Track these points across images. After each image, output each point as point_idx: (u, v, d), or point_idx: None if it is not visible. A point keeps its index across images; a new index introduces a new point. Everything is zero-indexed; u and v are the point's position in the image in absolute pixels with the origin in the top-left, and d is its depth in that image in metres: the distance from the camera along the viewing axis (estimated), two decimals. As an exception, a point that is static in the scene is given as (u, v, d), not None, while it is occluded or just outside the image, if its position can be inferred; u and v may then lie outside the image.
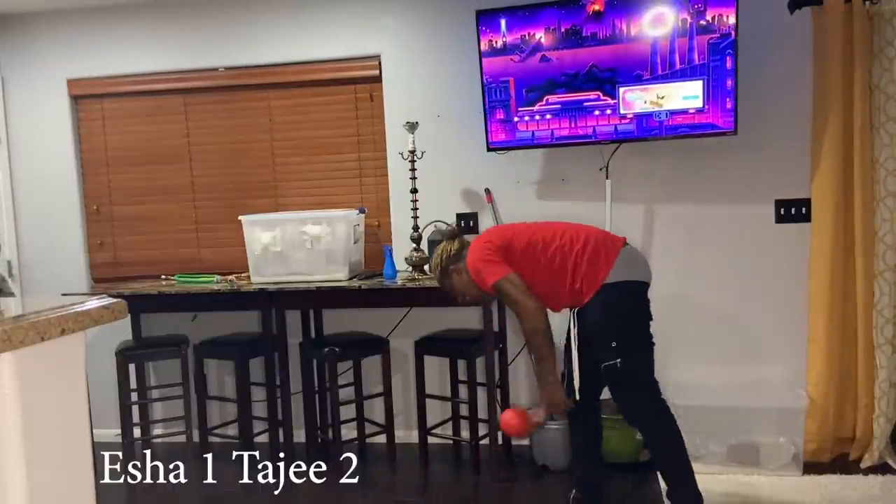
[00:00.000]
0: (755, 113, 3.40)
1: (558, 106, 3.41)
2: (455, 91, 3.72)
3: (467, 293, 2.87)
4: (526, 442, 3.66)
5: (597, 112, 3.37)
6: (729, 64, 3.19)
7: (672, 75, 3.25)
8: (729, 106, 3.22)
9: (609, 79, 3.32)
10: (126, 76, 4.00)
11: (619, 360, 2.60)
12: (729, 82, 3.20)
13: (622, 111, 3.34)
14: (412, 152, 3.56)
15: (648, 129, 3.33)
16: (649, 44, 3.26)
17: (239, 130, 3.98)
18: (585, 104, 3.38)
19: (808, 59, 3.35)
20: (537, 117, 3.44)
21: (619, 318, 2.66)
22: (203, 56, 3.93)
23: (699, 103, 3.25)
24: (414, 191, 3.59)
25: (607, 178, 3.54)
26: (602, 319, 2.66)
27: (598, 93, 3.35)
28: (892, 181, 3.19)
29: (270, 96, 3.93)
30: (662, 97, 3.29)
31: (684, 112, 3.27)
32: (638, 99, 3.32)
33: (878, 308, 3.23)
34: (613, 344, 2.61)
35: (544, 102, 3.42)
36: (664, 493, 2.79)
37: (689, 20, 3.21)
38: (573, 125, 3.41)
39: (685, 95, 3.27)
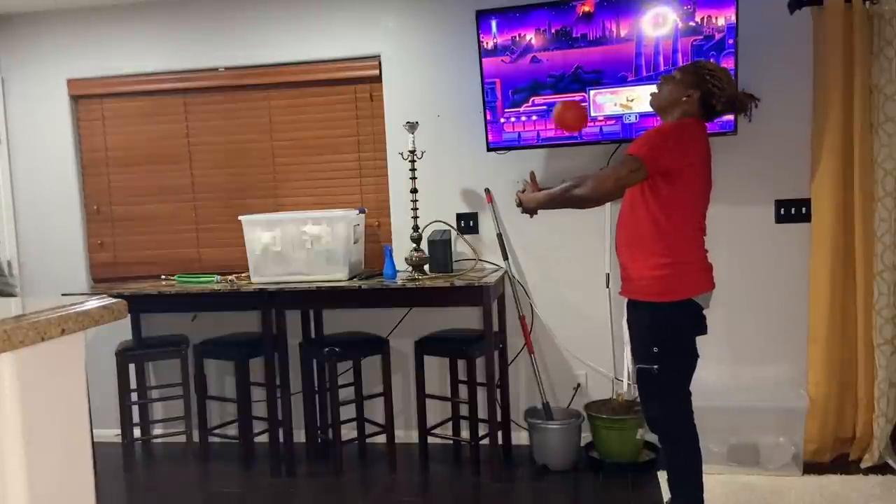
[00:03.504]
0: (755, 113, 3.39)
1: (544, 107, 3.41)
2: (455, 91, 3.72)
3: (661, 106, 2.60)
4: (526, 442, 3.67)
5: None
6: None
7: (657, 77, 3.25)
8: None
9: (594, 80, 3.33)
10: (126, 76, 4.00)
11: (656, 366, 2.50)
12: None
13: (593, 113, 3.35)
14: (412, 152, 3.56)
15: (638, 129, 3.34)
16: (635, 46, 3.27)
17: (239, 130, 3.98)
18: None
19: (808, 59, 3.36)
20: (523, 118, 3.45)
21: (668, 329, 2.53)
22: (203, 56, 3.93)
23: None
24: (414, 191, 3.59)
25: (607, 178, 3.54)
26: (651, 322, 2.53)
27: (584, 94, 3.36)
28: (891, 181, 3.19)
29: (270, 96, 3.93)
30: (632, 100, 3.31)
31: (654, 115, 3.29)
32: (608, 101, 3.33)
33: (877, 308, 3.23)
34: (655, 349, 2.50)
35: (530, 104, 3.43)
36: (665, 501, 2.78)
37: (678, 22, 3.21)
38: None
39: None
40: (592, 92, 3.34)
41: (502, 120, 3.48)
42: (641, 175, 2.42)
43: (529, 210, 2.78)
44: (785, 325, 3.51)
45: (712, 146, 3.40)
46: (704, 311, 2.56)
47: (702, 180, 2.54)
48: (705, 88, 2.50)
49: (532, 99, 3.42)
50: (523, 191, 2.83)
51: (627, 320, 2.66)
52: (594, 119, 3.36)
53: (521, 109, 3.44)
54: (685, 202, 2.48)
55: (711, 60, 2.86)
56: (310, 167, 3.94)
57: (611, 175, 2.48)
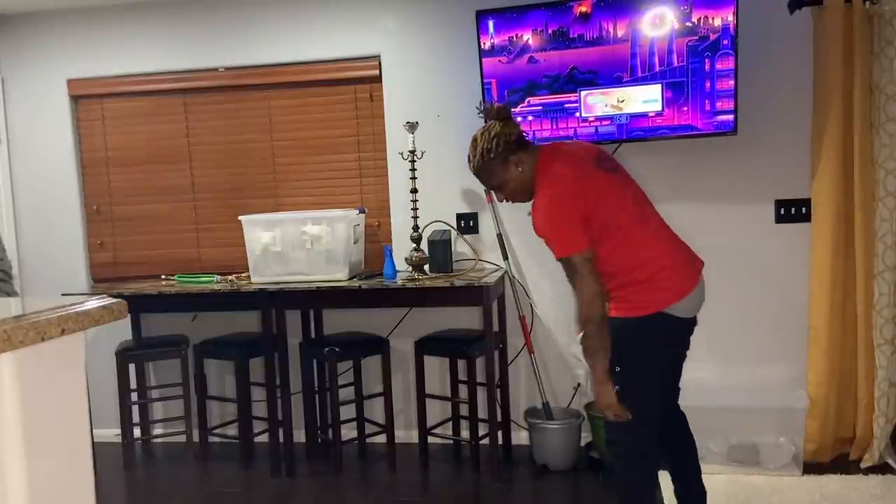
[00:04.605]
0: (755, 113, 3.41)
1: (539, 108, 3.42)
2: (455, 91, 3.72)
3: (520, 190, 2.47)
4: (526, 442, 3.67)
5: (577, 114, 3.39)
6: (708, 66, 3.20)
7: (651, 77, 3.27)
8: (708, 108, 3.24)
9: (589, 81, 3.33)
10: (126, 76, 4.00)
11: (617, 387, 2.33)
12: (708, 84, 3.21)
13: (583, 114, 3.36)
14: (412, 152, 3.56)
15: (629, 130, 3.35)
16: (630, 46, 3.27)
17: (239, 130, 3.98)
18: (566, 106, 3.39)
19: (808, 59, 3.36)
20: (519, 119, 3.45)
21: (640, 345, 2.36)
22: (203, 56, 3.93)
23: (658, 107, 3.27)
24: (414, 191, 3.59)
25: (607, 178, 3.54)
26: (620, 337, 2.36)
27: (576, 94, 3.37)
28: (892, 181, 3.19)
29: (270, 96, 3.93)
30: (622, 101, 3.31)
31: (645, 115, 3.31)
32: (599, 102, 3.34)
33: (878, 308, 3.23)
34: (617, 368, 2.33)
35: (526, 104, 3.43)
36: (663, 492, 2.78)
37: (674, 22, 3.21)
38: (554, 126, 3.43)
39: (645, 99, 3.30)
40: (584, 93, 3.35)
41: (497, 120, 3.49)
42: (589, 254, 2.28)
43: (609, 407, 2.37)
44: (785, 325, 3.51)
45: (711, 145, 3.44)
46: (696, 316, 2.42)
47: (608, 195, 2.36)
48: (509, 147, 2.41)
49: (528, 99, 3.43)
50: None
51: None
52: (586, 120, 3.36)
53: (517, 110, 3.44)
54: (618, 225, 2.33)
55: (475, 140, 2.49)
56: (310, 167, 3.94)
57: (582, 282, 2.29)
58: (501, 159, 2.42)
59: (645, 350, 2.36)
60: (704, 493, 2.58)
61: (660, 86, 3.27)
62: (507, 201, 2.55)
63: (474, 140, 2.48)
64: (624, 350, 2.35)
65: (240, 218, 3.60)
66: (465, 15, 3.59)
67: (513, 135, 2.43)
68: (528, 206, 2.50)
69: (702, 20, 3.18)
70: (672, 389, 2.55)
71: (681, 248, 2.43)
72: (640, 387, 2.36)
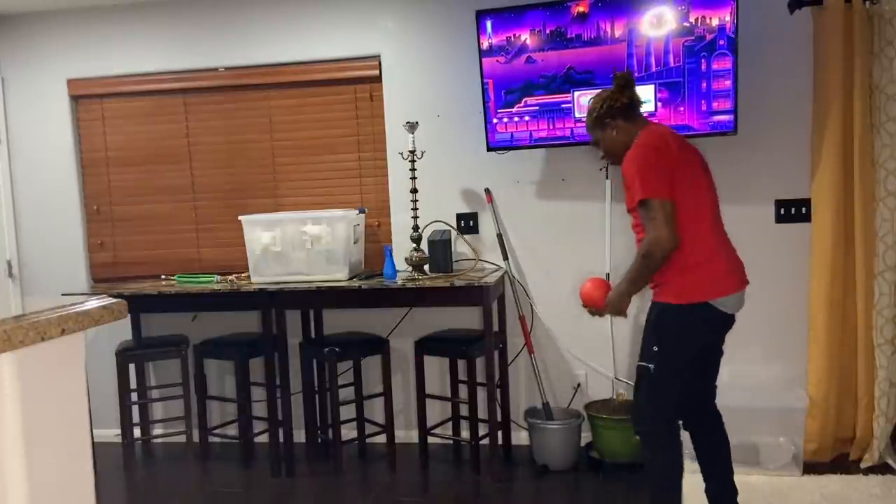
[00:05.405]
0: (755, 113, 3.41)
1: (536, 108, 3.42)
2: (455, 91, 3.72)
3: (610, 152, 2.63)
4: (526, 442, 3.67)
5: (573, 114, 3.40)
6: (704, 66, 3.20)
7: (648, 77, 3.26)
8: (705, 108, 3.24)
9: (586, 81, 3.33)
10: (126, 76, 4.00)
11: (652, 365, 2.46)
12: (704, 84, 3.21)
13: (577, 114, 3.36)
14: (412, 152, 3.56)
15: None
16: (626, 46, 3.27)
17: (239, 130, 3.98)
18: (562, 106, 3.39)
19: (808, 59, 3.36)
20: (516, 119, 3.45)
21: (675, 332, 2.47)
22: (203, 56, 3.93)
23: (650, 107, 3.27)
24: (414, 191, 3.59)
25: (607, 178, 3.54)
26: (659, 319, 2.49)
27: (570, 95, 3.37)
28: (893, 181, 3.19)
29: (270, 96, 3.93)
30: None
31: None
32: None
33: (878, 308, 3.23)
34: (655, 348, 2.46)
35: (522, 104, 3.43)
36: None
37: (672, 22, 3.21)
38: (551, 127, 3.42)
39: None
40: (577, 93, 3.35)
41: (495, 120, 3.49)
42: (670, 205, 2.37)
43: (619, 309, 2.58)
44: (785, 325, 3.51)
45: (711, 145, 3.43)
46: (735, 314, 2.53)
47: (694, 177, 2.47)
48: (610, 111, 2.57)
49: (524, 100, 3.42)
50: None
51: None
52: (580, 120, 3.37)
53: (514, 110, 3.44)
54: (687, 205, 2.42)
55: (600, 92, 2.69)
56: (310, 167, 3.94)
57: (655, 225, 2.37)
58: (601, 120, 2.60)
59: (681, 337, 2.47)
60: (735, 492, 2.66)
61: (653, 86, 3.27)
62: (605, 160, 2.76)
63: (592, 98, 2.68)
64: (662, 334, 2.46)
65: (240, 218, 3.60)
66: (465, 15, 3.59)
67: (619, 102, 2.57)
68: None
69: (699, 20, 3.18)
70: (707, 382, 2.66)
71: (734, 259, 2.59)
72: (669, 371, 2.47)
